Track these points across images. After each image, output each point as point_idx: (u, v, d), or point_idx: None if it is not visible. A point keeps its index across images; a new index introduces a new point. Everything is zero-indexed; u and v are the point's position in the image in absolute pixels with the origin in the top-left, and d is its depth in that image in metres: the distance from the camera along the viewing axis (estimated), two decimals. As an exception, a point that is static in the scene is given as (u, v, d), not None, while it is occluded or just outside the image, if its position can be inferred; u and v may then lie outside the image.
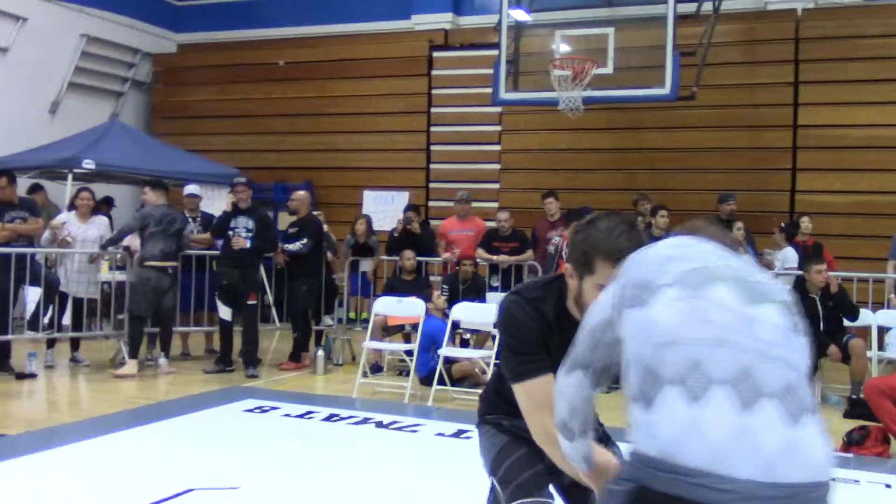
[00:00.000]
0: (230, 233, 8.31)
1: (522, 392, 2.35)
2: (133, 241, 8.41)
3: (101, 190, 11.42)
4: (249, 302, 8.31)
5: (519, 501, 2.40)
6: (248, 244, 8.23)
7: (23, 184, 9.17)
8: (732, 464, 1.46)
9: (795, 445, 1.50)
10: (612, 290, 1.81)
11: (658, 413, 1.56)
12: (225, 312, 8.35)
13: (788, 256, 8.83)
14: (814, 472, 1.51)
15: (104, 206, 11.11)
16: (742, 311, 1.60)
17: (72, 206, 8.78)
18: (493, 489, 2.56)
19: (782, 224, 9.31)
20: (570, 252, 2.32)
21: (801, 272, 8.11)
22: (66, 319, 8.46)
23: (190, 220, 9.26)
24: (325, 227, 9.83)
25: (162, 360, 8.20)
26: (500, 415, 2.60)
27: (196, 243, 9.05)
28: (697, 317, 1.60)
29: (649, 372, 1.60)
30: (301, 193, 9.23)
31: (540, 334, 2.35)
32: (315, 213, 9.71)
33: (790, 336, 1.62)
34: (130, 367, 7.91)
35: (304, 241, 8.67)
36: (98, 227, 8.55)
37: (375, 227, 10.36)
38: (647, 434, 1.57)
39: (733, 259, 1.76)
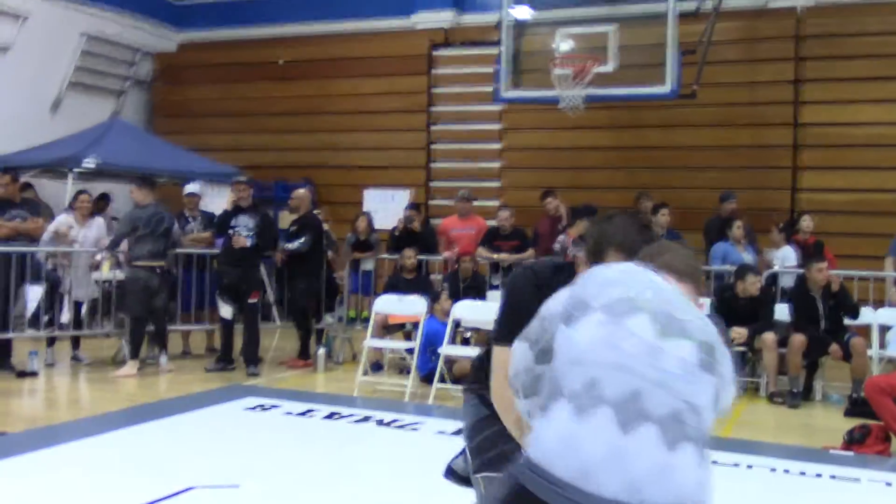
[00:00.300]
0: (231, 231, 8.31)
1: (496, 353, 2.47)
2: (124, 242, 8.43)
3: (101, 188, 11.42)
4: (250, 300, 8.31)
5: (484, 474, 2.45)
6: (248, 243, 8.23)
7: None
8: (600, 481, 1.52)
9: (666, 470, 1.53)
10: (563, 296, 1.83)
11: (548, 422, 1.63)
12: (226, 311, 8.35)
13: (787, 255, 8.83)
14: (681, 498, 1.54)
15: (101, 202, 11.11)
16: (652, 342, 1.65)
17: (71, 206, 8.77)
18: (464, 454, 2.61)
19: (780, 224, 9.30)
20: (585, 242, 2.36)
21: (801, 270, 8.12)
22: (65, 318, 8.47)
23: (190, 218, 9.28)
24: (326, 226, 9.84)
25: (163, 359, 8.21)
26: (484, 386, 2.60)
27: (196, 242, 9.06)
28: (608, 342, 1.66)
29: (554, 384, 1.67)
30: (301, 192, 9.23)
31: (535, 308, 2.39)
32: (316, 211, 9.71)
33: (695, 372, 1.65)
34: (131, 367, 7.91)
35: (302, 239, 8.67)
36: (97, 228, 8.59)
37: (376, 225, 10.35)
38: (535, 439, 1.63)
39: (671, 293, 1.79)
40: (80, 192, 8.82)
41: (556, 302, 1.84)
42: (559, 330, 1.75)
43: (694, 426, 1.60)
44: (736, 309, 7.71)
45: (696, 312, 1.76)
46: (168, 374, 8.04)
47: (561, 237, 8.29)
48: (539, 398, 1.71)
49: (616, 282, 1.78)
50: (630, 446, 1.53)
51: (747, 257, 8.67)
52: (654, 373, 1.61)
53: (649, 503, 1.50)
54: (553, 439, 1.59)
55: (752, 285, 7.66)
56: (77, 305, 8.42)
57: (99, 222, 8.76)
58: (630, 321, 1.68)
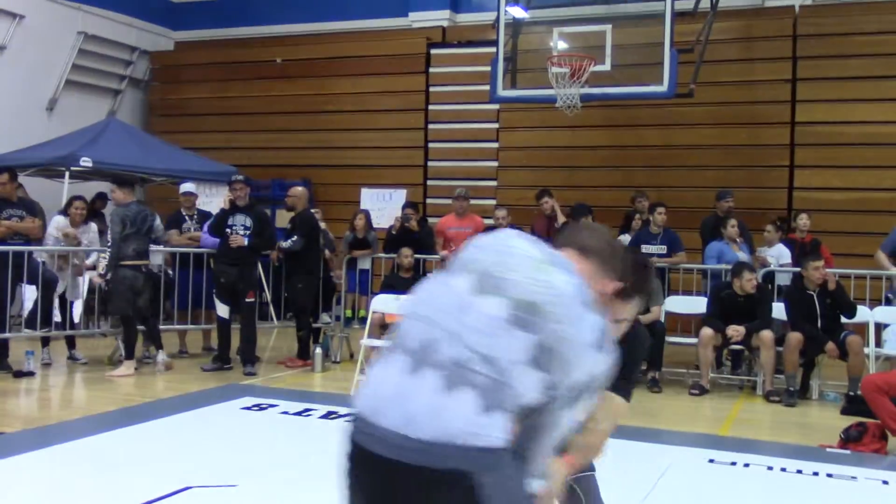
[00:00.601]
0: (228, 231, 8.30)
1: None
2: None
3: (97, 188, 11.42)
4: (247, 300, 8.30)
5: None
6: (245, 242, 8.22)
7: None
8: (383, 414, 1.73)
9: (439, 410, 1.69)
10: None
11: (372, 371, 1.87)
12: (223, 310, 8.34)
13: (782, 253, 8.84)
14: (448, 436, 1.68)
15: (98, 202, 11.10)
16: (463, 298, 1.80)
17: (65, 212, 8.74)
18: None
19: (777, 221, 9.30)
20: (625, 274, 2.24)
21: (797, 269, 8.13)
22: (58, 317, 8.46)
23: (186, 217, 9.28)
24: (323, 225, 9.84)
25: (160, 357, 8.20)
26: None
27: (192, 241, 9.07)
28: (430, 297, 1.86)
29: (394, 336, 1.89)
30: (298, 189, 9.23)
31: None
32: (313, 210, 9.71)
33: (499, 326, 1.75)
34: (127, 367, 7.90)
35: (294, 238, 8.68)
36: (89, 234, 8.61)
37: (374, 224, 10.36)
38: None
39: (513, 259, 1.86)
40: (74, 198, 8.79)
41: None
42: None
43: (483, 375, 1.71)
44: (734, 307, 7.72)
45: (532, 274, 1.82)
46: (166, 373, 8.03)
47: None
48: None
49: (477, 247, 1.92)
50: (412, 387, 1.72)
51: (742, 256, 8.68)
52: (453, 324, 1.76)
53: (420, 436, 1.67)
54: (365, 383, 1.84)
55: (748, 282, 7.67)
56: (70, 305, 8.42)
57: (92, 227, 8.78)
58: (454, 279, 1.85)
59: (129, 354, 7.97)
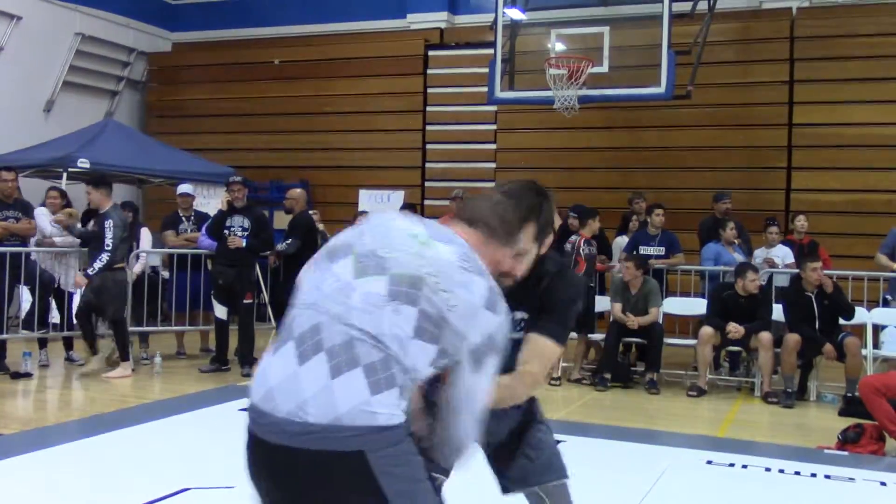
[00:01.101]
0: (226, 232, 8.30)
1: None
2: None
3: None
4: (245, 301, 8.29)
5: None
6: (243, 243, 8.21)
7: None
8: (277, 403, 1.77)
9: (327, 393, 1.74)
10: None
11: (263, 360, 1.91)
12: (220, 311, 8.34)
13: (787, 254, 8.83)
14: (337, 418, 1.73)
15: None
16: (346, 282, 1.85)
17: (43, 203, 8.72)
18: None
19: (776, 221, 9.30)
20: (538, 217, 2.28)
21: (795, 271, 8.14)
22: (56, 318, 8.44)
23: (184, 218, 9.27)
24: (321, 227, 9.83)
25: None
26: None
27: (189, 243, 9.06)
28: (314, 285, 1.90)
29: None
30: (296, 191, 9.22)
31: None
32: (311, 212, 9.71)
33: (380, 303, 1.80)
34: (124, 368, 7.88)
35: (290, 240, 8.69)
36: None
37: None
38: None
39: (393, 237, 1.91)
40: (50, 189, 8.76)
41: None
42: None
43: (371, 353, 1.77)
44: (735, 307, 7.73)
45: (413, 250, 1.86)
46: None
47: (573, 237, 8.29)
48: None
49: (365, 232, 1.95)
50: (303, 373, 1.77)
51: (738, 257, 8.68)
52: (337, 308, 1.81)
53: (314, 420, 1.73)
54: (257, 374, 1.88)
55: (751, 283, 7.68)
56: (69, 298, 8.37)
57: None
58: (336, 264, 1.90)
59: (125, 356, 7.95)
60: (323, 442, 1.73)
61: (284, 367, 1.80)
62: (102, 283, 7.69)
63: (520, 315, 2.46)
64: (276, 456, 1.78)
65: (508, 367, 2.26)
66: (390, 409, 1.76)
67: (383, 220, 1.98)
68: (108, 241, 7.63)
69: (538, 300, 2.45)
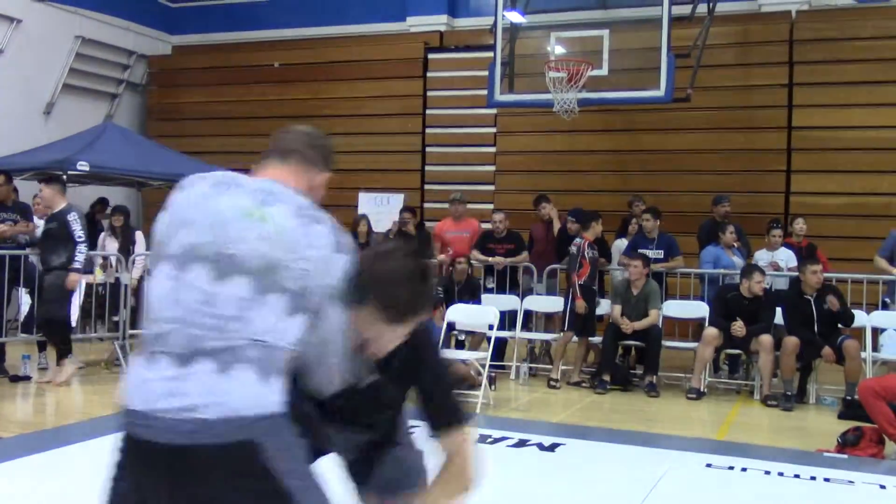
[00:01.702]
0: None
1: None
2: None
3: (94, 192, 11.41)
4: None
5: None
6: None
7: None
8: (161, 405, 1.82)
9: (219, 392, 1.80)
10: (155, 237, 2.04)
11: (132, 371, 1.95)
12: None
13: (790, 257, 8.82)
14: (231, 410, 1.80)
15: (99, 206, 11.09)
16: (207, 290, 1.87)
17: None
18: None
19: (779, 224, 9.30)
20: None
21: (795, 274, 8.14)
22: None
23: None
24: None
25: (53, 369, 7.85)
26: None
27: None
28: (173, 297, 1.90)
29: (144, 339, 1.95)
30: None
31: None
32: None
33: (252, 303, 1.86)
34: (68, 369, 7.61)
35: None
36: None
37: (372, 228, 10.38)
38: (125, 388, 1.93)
39: (230, 226, 1.93)
40: (36, 196, 8.69)
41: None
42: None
43: (254, 351, 1.84)
44: (739, 309, 7.74)
45: (253, 231, 1.90)
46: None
47: (577, 240, 8.29)
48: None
49: (187, 221, 1.95)
50: (187, 375, 1.83)
51: (738, 261, 8.69)
52: (209, 321, 1.85)
53: (204, 416, 1.79)
54: (131, 383, 1.92)
55: (757, 284, 7.70)
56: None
57: None
58: (189, 273, 1.90)
59: (63, 354, 7.66)
60: (213, 436, 1.78)
61: (164, 372, 1.85)
62: (42, 283, 7.59)
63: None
64: (162, 455, 1.82)
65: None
66: (275, 396, 1.86)
67: (205, 202, 1.97)
68: (79, 233, 7.48)
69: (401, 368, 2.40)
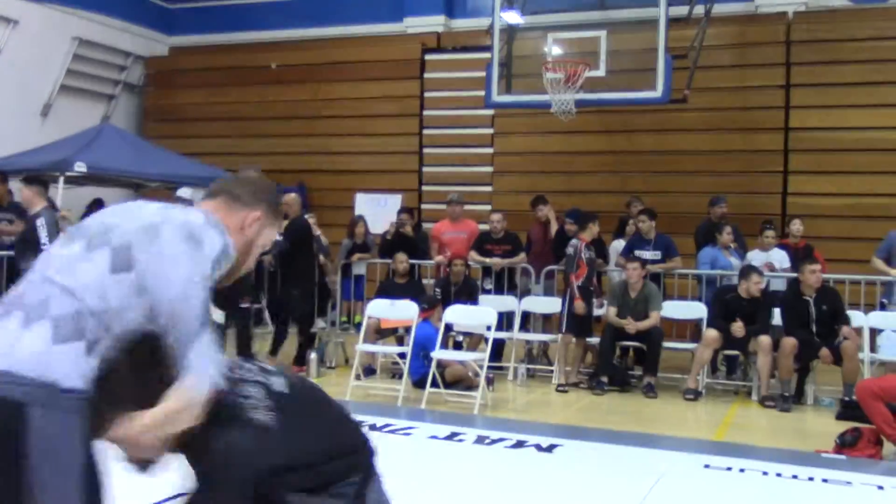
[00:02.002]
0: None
1: None
2: None
3: (92, 193, 11.39)
4: (242, 305, 8.28)
5: None
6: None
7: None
8: None
9: (14, 342, 1.77)
10: None
11: None
12: (217, 315, 8.31)
13: (783, 258, 8.84)
14: (16, 364, 1.73)
15: (95, 207, 11.06)
16: (68, 256, 1.92)
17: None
18: None
19: (771, 224, 9.31)
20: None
21: (793, 275, 8.15)
22: None
23: None
24: (318, 231, 9.84)
25: None
26: None
27: None
28: (45, 263, 1.96)
29: None
30: (290, 196, 9.22)
31: None
32: (308, 216, 9.71)
33: (78, 260, 1.89)
34: None
35: (276, 241, 8.70)
36: None
37: (369, 230, 10.40)
38: None
39: (121, 219, 2.01)
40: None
41: None
42: None
43: (62, 306, 1.82)
44: (738, 310, 7.74)
45: (132, 224, 1.97)
46: None
47: (574, 241, 8.27)
48: None
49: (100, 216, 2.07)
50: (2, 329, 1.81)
51: (735, 262, 8.70)
52: (49, 274, 1.90)
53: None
54: None
55: (755, 285, 7.72)
56: None
57: None
58: (64, 247, 1.97)
59: None
60: None
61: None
62: None
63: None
64: None
65: None
66: (67, 368, 1.76)
67: (141, 207, 2.08)
68: (44, 239, 7.29)
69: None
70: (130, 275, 1.87)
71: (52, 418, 1.74)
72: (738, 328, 7.65)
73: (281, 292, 9.08)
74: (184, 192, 9.51)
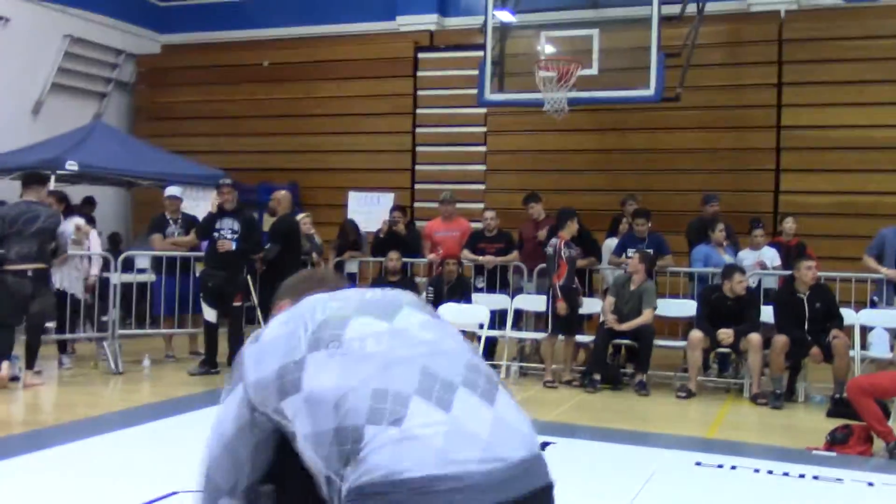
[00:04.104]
0: (215, 234, 8.27)
1: None
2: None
3: (84, 191, 11.35)
4: (235, 303, 8.27)
5: None
6: (233, 246, 8.19)
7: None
8: (459, 459, 1.53)
9: (502, 422, 1.61)
10: (239, 395, 1.87)
11: (368, 452, 1.57)
12: (210, 314, 8.31)
13: (774, 255, 8.86)
14: (526, 444, 1.62)
15: (87, 206, 11.03)
16: (389, 328, 1.73)
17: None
18: None
19: (761, 223, 9.32)
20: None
21: (786, 272, 8.17)
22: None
23: (171, 221, 9.22)
24: (312, 230, 9.83)
25: (19, 372, 7.49)
26: None
27: (176, 246, 9.02)
28: (353, 361, 1.68)
29: (341, 432, 1.62)
30: (280, 193, 9.22)
31: None
32: (302, 214, 9.71)
33: (440, 324, 1.80)
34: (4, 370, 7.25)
35: (268, 246, 8.73)
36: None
37: (361, 228, 10.39)
38: (365, 472, 1.56)
39: (347, 293, 1.91)
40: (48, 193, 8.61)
41: (233, 410, 1.94)
42: (283, 404, 1.80)
43: (489, 370, 1.78)
44: (723, 309, 7.75)
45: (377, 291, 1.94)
46: (37, 387, 7.41)
47: (553, 240, 8.23)
48: (329, 468, 1.68)
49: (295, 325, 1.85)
50: (461, 416, 1.63)
51: (728, 259, 8.71)
52: (420, 348, 1.74)
53: (504, 457, 1.60)
54: (386, 456, 1.59)
55: (738, 284, 7.72)
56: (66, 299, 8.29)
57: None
58: (349, 332, 1.75)
59: (6, 357, 7.31)
60: None
61: (433, 421, 1.61)
62: None
63: None
64: None
65: None
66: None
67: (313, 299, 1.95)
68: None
69: None
70: None
71: None
72: (724, 336, 7.65)
73: (266, 291, 9.08)
74: (174, 190, 9.50)
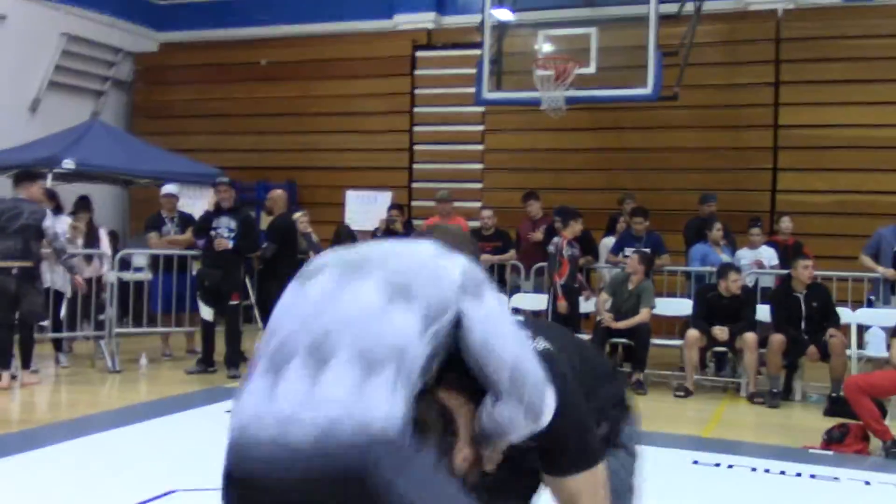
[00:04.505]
0: (213, 233, 8.27)
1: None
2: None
3: (80, 189, 11.32)
4: (232, 302, 8.27)
5: None
6: (230, 245, 8.19)
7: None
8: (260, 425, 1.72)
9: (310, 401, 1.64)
10: None
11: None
12: (207, 313, 8.31)
13: (772, 255, 8.87)
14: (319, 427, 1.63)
15: (81, 205, 10.98)
16: (331, 292, 1.82)
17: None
18: None
19: (759, 222, 9.34)
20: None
21: (783, 271, 8.18)
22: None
23: (167, 219, 9.20)
24: (309, 229, 9.82)
25: (6, 374, 7.31)
26: None
27: (172, 244, 9.01)
28: (290, 304, 1.91)
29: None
30: (276, 192, 9.22)
31: None
32: (300, 213, 9.70)
33: (380, 309, 1.75)
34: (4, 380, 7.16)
35: (265, 245, 8.74)
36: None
37: (358, 226, 10.38)
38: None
39: (383, 248, 1.98)
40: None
41: None
42: None
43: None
44: (718, 309, 7.76)
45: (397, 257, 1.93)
46: (33, 385, 7.35)
47: (556, 239, 8.24)
48: None
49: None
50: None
51: (725, 258, 8.72)
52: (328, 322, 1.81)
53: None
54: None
55: (733, 283, 7.73)
56: (59, 301, 8.28)
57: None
58: (311, 281, 1.95)
59: (6, 364, 7.24)
60: None
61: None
62: None
63: None
64: None
65: None
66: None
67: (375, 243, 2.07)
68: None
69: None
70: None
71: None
72: (718, 333, 7.66)
73: (263, 289, 9.08)
74: (170, 188, 9.50)
